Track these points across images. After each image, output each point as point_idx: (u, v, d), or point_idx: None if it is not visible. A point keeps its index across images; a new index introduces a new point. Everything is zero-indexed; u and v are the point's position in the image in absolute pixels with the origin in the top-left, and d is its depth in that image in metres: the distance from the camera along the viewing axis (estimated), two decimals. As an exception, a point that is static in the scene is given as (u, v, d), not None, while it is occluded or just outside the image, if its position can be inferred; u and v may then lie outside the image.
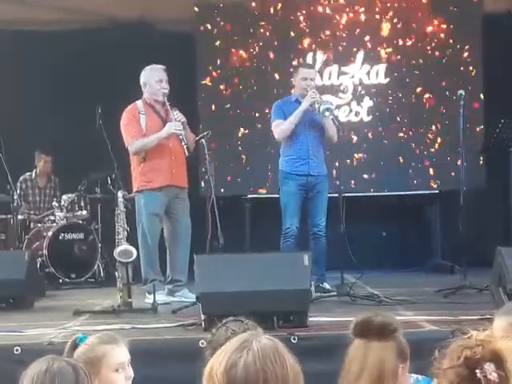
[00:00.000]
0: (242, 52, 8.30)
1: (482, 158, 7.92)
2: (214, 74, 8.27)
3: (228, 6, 8.27)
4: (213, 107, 8.28)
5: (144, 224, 6.06)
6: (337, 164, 6.72)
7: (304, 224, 6.45)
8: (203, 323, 4.60)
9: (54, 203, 7.97)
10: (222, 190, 7.45)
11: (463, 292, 5.93)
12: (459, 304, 5.48)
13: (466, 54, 8.20)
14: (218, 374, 1.76)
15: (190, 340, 4.29)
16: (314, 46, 8.26)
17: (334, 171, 6.71)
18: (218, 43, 8.30)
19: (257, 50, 8.29)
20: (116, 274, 5.69)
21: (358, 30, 8.24)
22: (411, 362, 2.71)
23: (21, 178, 8.31)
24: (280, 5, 8.29)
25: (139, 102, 6.18)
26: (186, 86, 7.93)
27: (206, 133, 6.18)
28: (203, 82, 8.25)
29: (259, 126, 8.13)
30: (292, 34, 8.27)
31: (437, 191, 8.11)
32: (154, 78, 6.11)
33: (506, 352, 1.80)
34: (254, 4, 8.30)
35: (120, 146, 6.15)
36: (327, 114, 6.30)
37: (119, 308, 5.45)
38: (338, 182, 6.45)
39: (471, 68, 8.17)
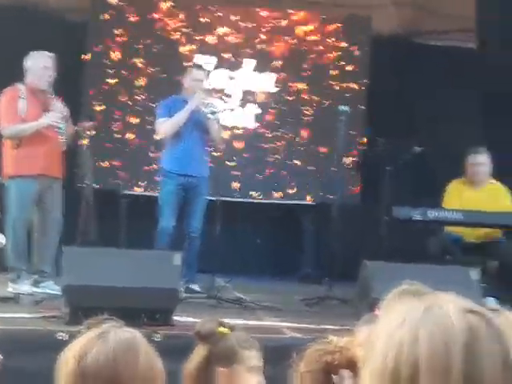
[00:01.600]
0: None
1: (358, 173, 8.12)
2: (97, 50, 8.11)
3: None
4: (98, 100, 8.13)
5: (14, 211, 5.88)
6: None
7: (180, 224, 6.44)
8: (66, 316, 4.51)
9: None
10: (100, 183, 7.32)
11: (327, 303, 6.07)
12: (322, 314, 5.60)
13: (352, 71, 8.40)
14: (69, 360, 1.74)
15: (48, 332, 4.20)
16: (202, 48, 8.27)
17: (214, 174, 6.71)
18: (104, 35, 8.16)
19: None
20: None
21: (249, 38, 8.30)
22: (271, 367, 2.75)
23: None
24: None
25: (21, 86, 5.99)
26: (75, 73, 7.76)
27: (87, 123, 6.07)
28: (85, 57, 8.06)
29: (144, 120, 8.05)
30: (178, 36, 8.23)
31: (313, 203, 8.26)
32: (39, 65, 5.95)
33: (361, 360, 1.85)
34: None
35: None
36: (212, 116, 6.34)
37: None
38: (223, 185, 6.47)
39: (356, 85, 8.37)
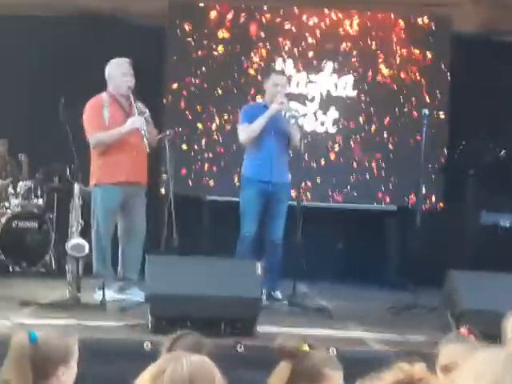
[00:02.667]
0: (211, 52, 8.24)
1: (441, 179, 7.95)
2: (183, 79, 8.21)
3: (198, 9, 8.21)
4: (181, 105, 8.20)
5: (99, 218, 5.99)
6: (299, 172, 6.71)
7: (262, 230, 6.43)
8: (150, 325, 4.56)
9: (10, 189, 7.84)
10: (183, 189, 7.38)
11: (413, 311, 5.96)
12: (407, 323, 5.50)
13: (433, 73, 8.24)
14: (145, 379, 1.81)
15: (135, 341, 4.25)
16: (283, 53, 8.25)
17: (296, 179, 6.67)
18: (187, 42, 8.23)
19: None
20: (66, 267, 5.61)
21: (329, 42, 8.24)
22: (354, 380, 2.70)
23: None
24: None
25: (104, 95, 6.12)
26: (154, 81, 7.86)
27: (168, 132, 6.12)
28: (172, 86, 8.17)
29: (228, 128, 8.09)
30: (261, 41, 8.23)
31: (395, 208, 8.14)
32: (118, 71, 6.06)
33: None
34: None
35: (83, 137, 6.08)
36: (292, 121, 6.31)
37: (67, 302, 5.38)
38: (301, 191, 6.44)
39: (438, 88, 8.22)
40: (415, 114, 7.81)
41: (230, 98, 8.12)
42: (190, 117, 8.18)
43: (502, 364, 1.06)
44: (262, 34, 8.21)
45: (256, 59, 8.19)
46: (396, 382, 1.82)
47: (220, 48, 8.19)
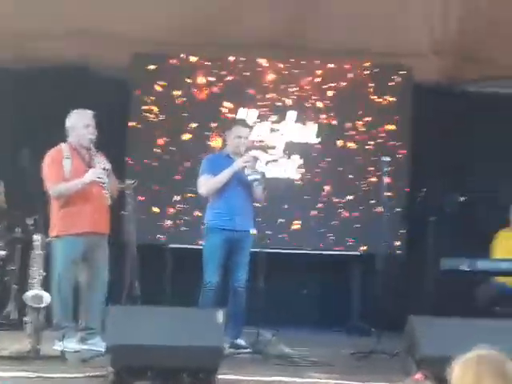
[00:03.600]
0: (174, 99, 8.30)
1: (402, 225, 8.04)
2: (144, 118, 8.24)
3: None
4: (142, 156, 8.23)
5: (59, 269, 5.95)
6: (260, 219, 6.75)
7: (225, 278, 6.44)
8: (110, 376, 4.52)
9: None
10: (145, 238, 7.37)
11: (376, 357, 5.98)
12: (370, 368, 5.52)
13: (394, 122, 8.37)
14: None
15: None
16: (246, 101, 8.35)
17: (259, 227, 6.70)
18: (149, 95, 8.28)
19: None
20: (25, 318, 5.56)
21: (290, 90, 8.35)
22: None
23: None
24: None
25: (64, 145, 6.13)
26: (118, 132, 7.89)
27: (132, 182, 6.14)
28: (131, 124, 8.19)
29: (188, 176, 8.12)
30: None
31: (359, 253, 8.20)
32: (80, 123, 6.08)
33: None
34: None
35: (45, 188, 6.07)
36: (256, 183, 6.36)
37: (27, 354, 5.32)
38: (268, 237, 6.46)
39: (399, 137, 8.33)
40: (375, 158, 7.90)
41: (192, 147, 8.16)
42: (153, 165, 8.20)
43: None
44: (225, 85, 8.30)
45: (221, 109, 8.25)
46: None
47: (180, 98, 8.25)
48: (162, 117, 8.23)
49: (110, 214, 6.17)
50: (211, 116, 8.23)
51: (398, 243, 8.06)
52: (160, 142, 8.21)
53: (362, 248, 8.18)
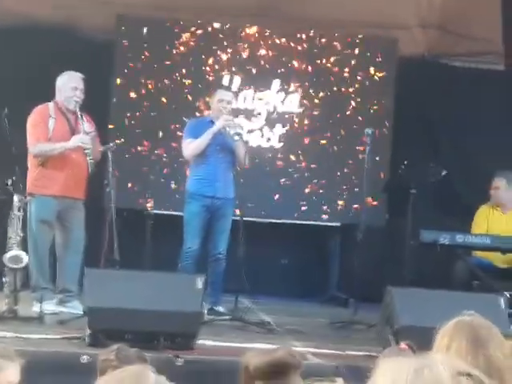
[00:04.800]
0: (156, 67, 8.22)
1: (383, 196, 8.05)
2: (126, 78, 8.14)
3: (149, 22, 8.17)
4: (126, 117, 8.15)
5: (34, 230, 5.92)
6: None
7: (205, 245, 6.43)
8: (87, 338, 4.52)
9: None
10: (124, 202, 7.32)
11: (353, 327, 6.02)
12: (347, 338, 5.55)
13: (377, 94, 8.35)
14: None
15: (72, 354, 4.21)
16: (231, 68, 8.28)
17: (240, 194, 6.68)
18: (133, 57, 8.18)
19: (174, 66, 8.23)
20: (3, 279, 5.53)
21: (274, 59, 8.30)
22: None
23: None
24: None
25: (51, 104, 6.07)
26: (102, 94, 7.80)
27: (111, 144, 6.10)
28: (116, 82, 8.10)
29: (170, 142, 8.06)
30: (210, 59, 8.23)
31: (338, 224, 8.21)
32: (69, 85, 6.03)
33: None
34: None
35: (25, 147, 6.01)
36: (236, 138, 6.34)
37: (4, 315, 5.30)
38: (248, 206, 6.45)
39: (382, 108, 8.32)
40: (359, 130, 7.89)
41: (176, 112, 8.10)
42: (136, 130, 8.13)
43: (413, 372, 1.08)
44: (210, 49, 8.23)
45: (203, 73, 8.19)
46: None
47: (167, 61, 8.18)
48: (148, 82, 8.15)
49: (86, 181, 6.10)
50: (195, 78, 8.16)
51: (379, 215, 8.08)
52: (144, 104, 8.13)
53: (341, 218, 8.19)
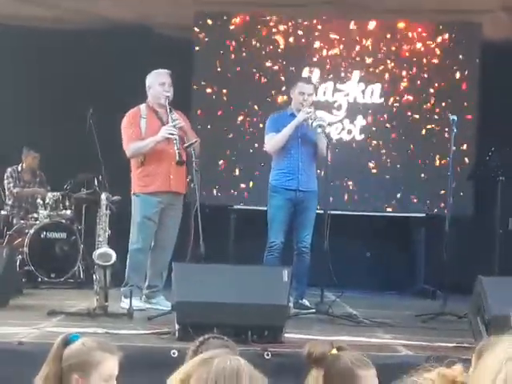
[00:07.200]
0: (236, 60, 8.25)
1: (470, 186, 7.87)
2: (207, 80, 8.21)
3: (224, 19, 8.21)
4: (207, 114, 8.22)
5: (138, 227, 6.01)
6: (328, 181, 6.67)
7: (289, 239, 6.41)
8: (177, 333, 4.55)
9: (39, 200, 7.91)
10: (209, 198, 7.38)
11: (442, 318, 5.90)
12: (437, 330, 5.44)
13: (462, 80, 8.18)
14: (173, 382, 1.82)
15: (162, 349, 4.24)
16: (311, 61, 8.24)
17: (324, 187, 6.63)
18: (213, 53, 8.24)
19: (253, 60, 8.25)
20: (94, 276, 5.63)
21: (355, 50, 8.22)
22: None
23: (8, 171, 8.26)
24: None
25: (143, 106, 6.17)
26: (183, 92, 7.87)
27: (193, 141, 6.12)
28: (195, 87, 8.18)
29: (250, 137, 8.09)
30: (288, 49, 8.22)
31: (423, 215, 8.07)
32: (157, 82, 6.11)
33: None
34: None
35: (110, 148, 6.11)
36: (319, 130, 6.28)
37: (94, 311, 5.39)
38: (331, 199, 6.40)
39: (466, 94, 8.15)
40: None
41: (258, 109, 8.11)
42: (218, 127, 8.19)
43: None
44: (289, 44, 8.22)
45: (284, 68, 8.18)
46: None
47: (247, 57, 8.20)
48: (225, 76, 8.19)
49: (185, 173, 6.17)
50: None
51: (466, 204, 7.91)
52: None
53: (428, 209, 8.05)
